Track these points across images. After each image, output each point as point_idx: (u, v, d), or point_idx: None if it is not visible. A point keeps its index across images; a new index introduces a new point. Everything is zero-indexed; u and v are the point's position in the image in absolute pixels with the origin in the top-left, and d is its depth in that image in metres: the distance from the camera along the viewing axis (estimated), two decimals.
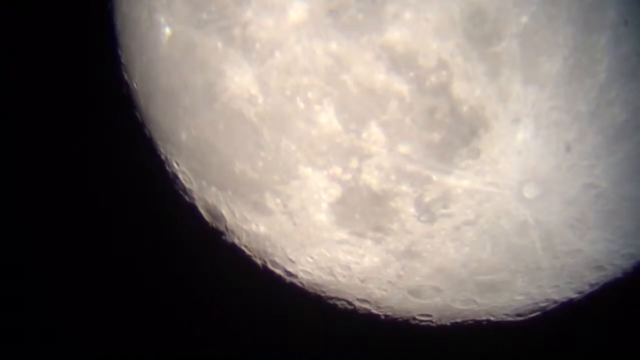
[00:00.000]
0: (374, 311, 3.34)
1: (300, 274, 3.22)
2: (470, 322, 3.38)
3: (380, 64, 2.43)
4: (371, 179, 2.64)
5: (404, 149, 2.54)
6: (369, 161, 2.60)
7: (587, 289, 3.22)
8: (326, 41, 2.44)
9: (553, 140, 2.52)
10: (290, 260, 3.15)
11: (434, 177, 2.60)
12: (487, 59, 2.39)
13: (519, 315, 3.37)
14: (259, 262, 3.34)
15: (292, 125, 2.62)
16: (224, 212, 3.16)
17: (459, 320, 3.36)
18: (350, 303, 3.34)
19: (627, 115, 2.53)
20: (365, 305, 3.31)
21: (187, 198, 3.34)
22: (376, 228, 2.81)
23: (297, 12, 2.46)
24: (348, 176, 2.66)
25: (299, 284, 3.31)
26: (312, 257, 3.07)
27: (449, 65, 2.39)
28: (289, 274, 3.26)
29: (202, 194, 3.20)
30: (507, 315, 3.34)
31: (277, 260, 3.22)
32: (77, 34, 5.29)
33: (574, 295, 3.25)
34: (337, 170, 2.66)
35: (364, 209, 2.76)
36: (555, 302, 3.28)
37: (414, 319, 3.36)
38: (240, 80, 2.64)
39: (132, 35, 3.08)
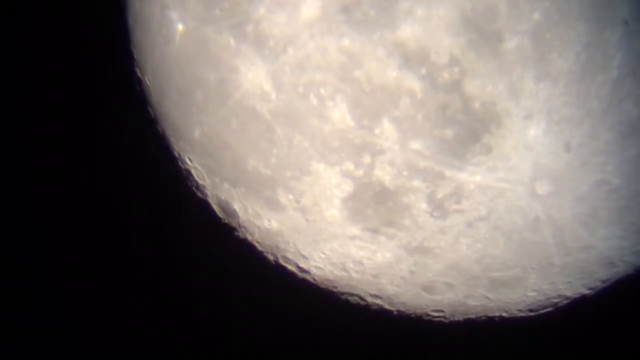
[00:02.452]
0: (387, 307, 3.35)
1: (313, 270, 3.23)
2: (483, 318, 3.38)
3: (393, 61, 2.43)
4: (384, 174, 2.64)
5: (416, 145, 2.54)
6: (381, 157, 2.60)
7: (599, 285, 3.21)
8: (339, 38, 2.45)
9: (565, 136, 2.52)
10: (303, 256, 3.16)
11: (447, 173, 2.60)
12: (499, 55, 2.39)
13: (531, 311, 3.37)
14: (271, 258, 3.35)
15: (304, 121, 2.63)
16: (237, 208, 3.18)
17: (472, 316, 3.36)
18: (362, 299, 3.34)
19: (639, 112, 2.52)
20: (378, 301, 3.32)
21: (199, 194, 3.36)
22: (388, 224, 2.82)
23: (309, 9, 2.47)
24: (360, 172, 2.67)
25: (312, 280, 3.32)
26: (324, 253, 3.08)
27: (460, 61, 2.40)
28: (302, 269, 3.27)
29: (215, 190, 3.22)
30: (519, 311, 3.34)
31: (290, 256, 3.23)
32: (90, 31, 5.31)
33: (585, 292, 3.25)
34: (350, 166, 2.67)
35: (376, 205, 2.76)
36: (567, 298, 3.28)
37: (427, 315, 3.37)
38: (253, 76, 2.65)
39: (145, 32, 3.09)
